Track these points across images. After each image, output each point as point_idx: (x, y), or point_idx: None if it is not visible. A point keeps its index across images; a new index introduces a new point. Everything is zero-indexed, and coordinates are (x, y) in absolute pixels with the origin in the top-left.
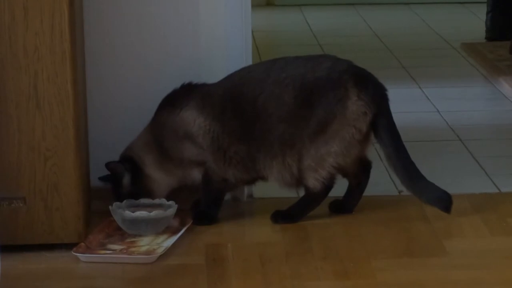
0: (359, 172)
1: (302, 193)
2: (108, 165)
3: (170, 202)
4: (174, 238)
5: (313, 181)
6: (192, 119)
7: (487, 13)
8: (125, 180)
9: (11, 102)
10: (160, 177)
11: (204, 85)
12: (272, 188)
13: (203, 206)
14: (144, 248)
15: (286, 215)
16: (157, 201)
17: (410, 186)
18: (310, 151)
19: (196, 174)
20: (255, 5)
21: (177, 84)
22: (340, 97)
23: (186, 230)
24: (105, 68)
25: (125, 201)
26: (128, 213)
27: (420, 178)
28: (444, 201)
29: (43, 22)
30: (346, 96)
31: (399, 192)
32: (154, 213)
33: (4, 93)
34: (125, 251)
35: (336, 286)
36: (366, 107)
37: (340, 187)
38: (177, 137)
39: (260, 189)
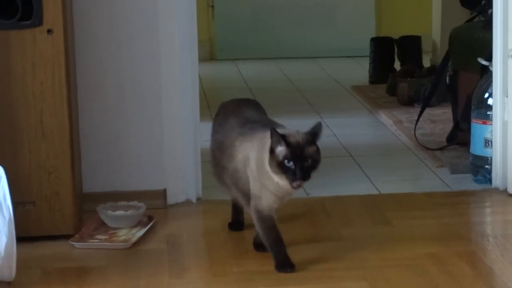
0: None
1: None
2: None
3: (141, 204)
4: (144, 230)
5: None
6: None
7: (370, 63)
8: None
9: (24, 132)
10: None
11: None
12: (216, 192)
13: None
14: (122, 238)
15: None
16: (131, 203)
17: None
18: None
19: None
20: (201, 60)
21: (145, 117)
22: None
23: (152, 224)
24: (93, 106)
25: (108, 203)
26: (110, 212)
27: None
28: None
29: (47, 73)
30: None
31: (307, 194)
32: (130, 212)
33: (18, 125)
34: (108, 240)
35: (261, 260)
36: None
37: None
38: None
39: (206, 193)
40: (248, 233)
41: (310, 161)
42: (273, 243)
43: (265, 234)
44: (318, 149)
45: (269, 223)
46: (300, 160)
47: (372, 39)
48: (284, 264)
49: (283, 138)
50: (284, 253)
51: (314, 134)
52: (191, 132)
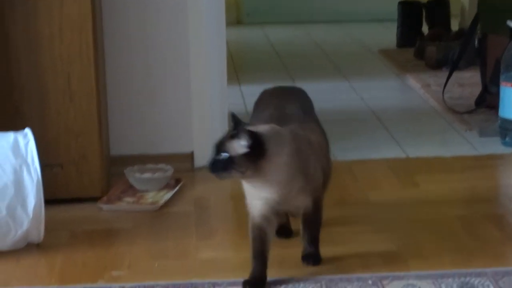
0: None
1: None
2: None
3: (168, 167)
4: (172, 192)
5: None
6: None
7: (397, 27)
8: None
9: (51, 95)
10: None
11: None
12: None
13: (316, 244)
14: (150, 200)
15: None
16: (159, 165)
17: None
18: None
19: None
20: (228, 23)
21: (172, 81)
22: None
23: (180, 187)
24: (120, 69)
25: (136, 166)
26: (138, 175)
27: None
28: None
29: (73, 36)
30: None
31: (335, 157)
32: (157, 174)
33: (46, 88)
34: (136, 202)
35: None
36: None
37: None
38: None
39: None
40: None
41: (222, 155)
42: (252, 256)
43: (250, 244)
44: (246, 148)
45: (254, 233)
46: (214, 150)
47: (400, 3)
48: (250, 282)
49: (235, 126)
50: (258, 271)
51: (238, 131)
52: (219, 95)
